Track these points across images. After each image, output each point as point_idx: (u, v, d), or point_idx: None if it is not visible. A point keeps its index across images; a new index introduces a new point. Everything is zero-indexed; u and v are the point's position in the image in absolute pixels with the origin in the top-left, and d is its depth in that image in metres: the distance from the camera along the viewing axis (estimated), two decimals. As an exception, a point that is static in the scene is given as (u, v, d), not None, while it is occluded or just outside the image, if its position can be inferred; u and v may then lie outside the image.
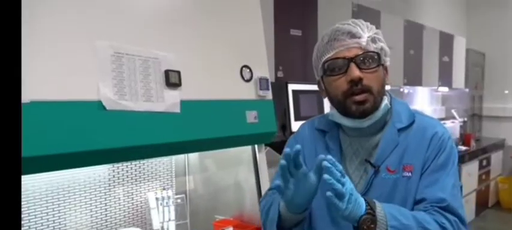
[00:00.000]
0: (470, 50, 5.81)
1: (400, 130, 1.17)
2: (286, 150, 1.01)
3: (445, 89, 5.25)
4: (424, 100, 5.31)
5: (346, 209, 0.97)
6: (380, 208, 1.02)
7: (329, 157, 0.98)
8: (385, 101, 1.17)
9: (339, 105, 1.15)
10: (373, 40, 1.13)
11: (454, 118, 5.36)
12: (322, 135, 1.26)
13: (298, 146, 0.99)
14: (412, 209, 1.11)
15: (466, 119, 5.72)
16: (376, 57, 1.13)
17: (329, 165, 0.96)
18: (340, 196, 0.96)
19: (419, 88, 4.97)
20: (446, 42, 5.00)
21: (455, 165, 1.16)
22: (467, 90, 5.72)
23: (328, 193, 0.95)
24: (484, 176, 5.39)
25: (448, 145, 1.16)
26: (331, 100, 1.19)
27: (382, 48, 1.15)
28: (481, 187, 5.35)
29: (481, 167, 5.26)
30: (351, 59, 1.10)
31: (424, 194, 1.11)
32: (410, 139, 1.16)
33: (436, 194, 1.09)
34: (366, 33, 1.13)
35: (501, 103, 6.31)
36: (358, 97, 1.10)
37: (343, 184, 0.97)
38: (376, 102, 1.13)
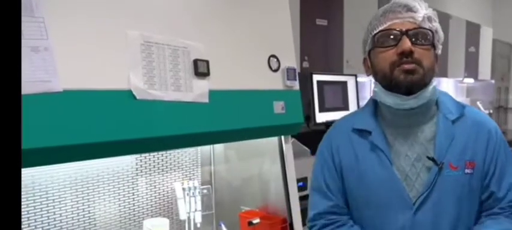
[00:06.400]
0: (497, 41, 5.66)
1: (453, 122, 1.13)
2: None
3: (470, 80, 5.13)
4: (448, 91, 5.09)
5: None
6: None
7: None
8: (434, 83, 1.12)
9: (385, 78, 1.09)
10: (429, 19, 1.10)
11: (479, 110, 5.23)
12: (363, 135, 1.17)
13: None
14: (475, 207, 1.10)
15: (491, 111, 5.59)
16: (429, 35, 1.08)
17: None
18: None
19: (443, 80, 4.86)
20: (472, 32, 4.88)
21: None
22: (493, 81, 5.59)
23: None
24: (509, 170, 5.26)
25: (504, 139, 1.15)
26: (376, 76, 1.13)
27: (437, 30, 1.11)
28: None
29: (507, 160, 5.14)
30: (404, 32, 1.06)
31: (502, 192, 1.10)
32: (467, 133, 1.12)
33: None
34: (423, 9, 1.09)
35: (528, 95, 6.16)
36: (407, 66, 1.05)
37: None
38: (425, 77, 1.07)
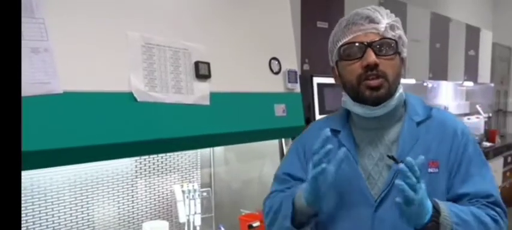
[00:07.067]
0: (497, 44, 5.66)
1: (418, 123, 1.14)
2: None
3: (470, 84, 5.13)
4: (448, 95, 5.20)
5: (410, 215, 0.97)
6: (445, 210, 1.00)
7: (409, 159, 0.95)
8: (400, 90, 1.14)
9: (352, 90, 1.12)
10: (392, 27, 1.10)
11: (478, 113, 5.23)
12: (334, 135, 1.20)
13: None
14: None
15: (490, 115, 5.58)
16: (393, 44, 1.10)
17: (405, 169, 0.94)
18: (408, 202, 0.95)
19: (443, 83, 4.86)
20: (472, 35, 4.88)
21: (484, 157, 1.16)
22: (492, 84, 5.58)
23: (398, 199, 0.95)
24: (508, 174, 5.26)
25: (471, 139, 1.16)
26: (344, 86, 1.16)
27: (400, 37, 1.12)
28: (505, 184, 5.22)
29: (505, 164, 5.13)
30: (368, 44, 1.08)
31: (466, 189, 1.09)
32: (432, 133, 1.13)
33: (480, 188, 1.09)
34: (385, 19, 1.10)
35: (527, 98, 6.15)
36: (373, 83, 1.07)
37: (416, 191, 0.95)
38: (390, 89, 1.10)
